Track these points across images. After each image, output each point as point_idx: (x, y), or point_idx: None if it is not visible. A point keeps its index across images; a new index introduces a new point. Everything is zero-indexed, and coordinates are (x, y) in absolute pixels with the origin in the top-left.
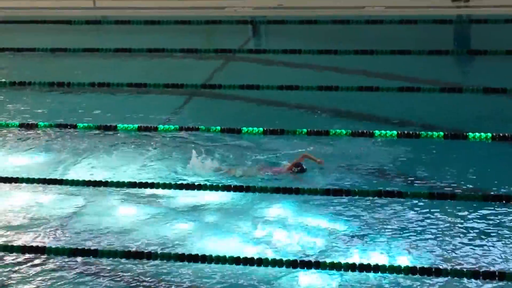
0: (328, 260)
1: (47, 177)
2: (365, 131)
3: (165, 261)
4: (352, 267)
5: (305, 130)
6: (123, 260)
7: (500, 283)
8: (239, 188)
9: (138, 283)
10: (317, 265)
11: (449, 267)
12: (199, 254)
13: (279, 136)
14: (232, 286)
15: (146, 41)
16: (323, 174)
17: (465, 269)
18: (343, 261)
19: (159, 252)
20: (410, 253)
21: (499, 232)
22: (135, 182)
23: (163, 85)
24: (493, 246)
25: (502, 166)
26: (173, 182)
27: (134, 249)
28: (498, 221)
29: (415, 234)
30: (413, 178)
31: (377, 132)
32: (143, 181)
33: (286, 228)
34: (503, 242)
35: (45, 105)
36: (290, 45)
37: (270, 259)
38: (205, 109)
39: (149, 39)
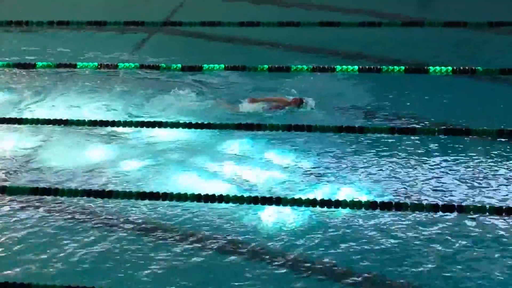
0: (289, 196)
1: (6, 116)
2: (326, 67)
3: (126, 199)
4: (313, 202)
5: (266, 66)
6: (84, 198)
7: (459, 215)
8: (200, 125)
9: (99, 221)
10: (278, 201)
11: (409, 202)
12: (160, 192)
13: (241, 72)
14: (194, 223)
15: None
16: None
17: (424, 203)
18: (303, 197)
19: (120, 190)
20: (371, 188)
21: (459, 165)
22: (96, 121)
23: (123, 22)
24: (453, 179)
25: (462, 98)
26: (134, 120)
27: (95, 188)
28: (457, 154)
29: (376, 169)
30: (375, 113)
31: (338, 67)
32: (104, 119)
33: (248, 164)
34: (462, 174)
35: (2, 44)
36: None
37: (231, 196)
38: (166, 47)
39: None
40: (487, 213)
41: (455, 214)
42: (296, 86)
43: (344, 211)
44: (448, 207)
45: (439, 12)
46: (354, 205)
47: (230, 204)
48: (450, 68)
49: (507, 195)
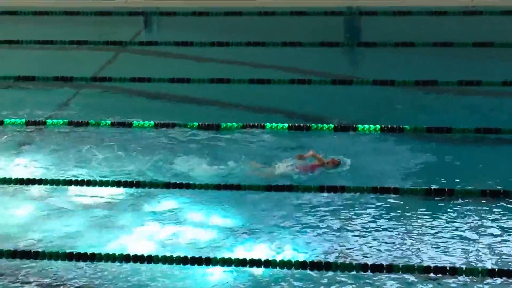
0: (219, 256)
1: None
2: (256, 124)
3: (53, 260)
4: (243, 262)
5: (196, 123)
6: (9, 260)
7: (390, 275)
8: (129, 183)
9: (24, 284)
10: (208, 261)
11: (339, 261)
12: (88, 253)
13: (171, 129)
14: (123, 285)
15: (34, 32)
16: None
17: (354, 263)
18: (233, 256)
19: (46, 251)
20: (301, 247)
21: (383, 226)
22: (23, 179)
23: (53, 78)
24: (381, 240)
25: (388, 157)
26: (61, 178)
27: (21, 248)
28: (386, 215)
29: (307, 227)
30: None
31: (268, 124)
32: (31, 177)
33: (178, 223)
34: (380, 235)
35: None
36: (182, 37)
37: (160, 256)
38: (95, 103)
39: (38, 30)
40: (416, 272)
41: (384, 273)
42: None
43: (275, 271)
44: (378, 267)
45: (367, 70)
46: (285, 264)
47: (160, 264)
48: (378, 126)
49: (434, 257)
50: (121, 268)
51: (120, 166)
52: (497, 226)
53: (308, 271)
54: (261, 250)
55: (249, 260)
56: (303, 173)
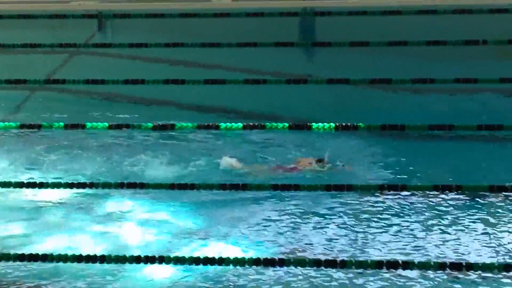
0: (172, 255)
1: None
2: (210, 124)
3: (3, 261)
4: (196, 260)
5: (150, 124)
6: None
7: (343, 269)
8: (82, 185)
9: None
10: (161, 260)
11: (292, 258)
12: (40, 253)
13: (125, 130)
14: (75, 285)
15: None
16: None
17: (307, 259)
18: (187, 255)
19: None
20: (255, 245)
21: (335, 220)
22: None
23: (4, 81)
24: (336, 236)
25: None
26: (13, 181)
27: None
28: (342, 212)
29: (260, 224)
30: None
31: (222, 124)
32: None
33: (132, 223)
34: (335, 231)
35: None
36: (136, 39)
37: (113, 256)
38: (48, 105)
39: None
40: (369, 268)
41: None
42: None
43: (228, 268)
44: (331, 262)
45: (322, 70)
46: (238, 262)
47: (112, 263)
48: (332, 124)
49: (390, 250)
50: (73, 268)
51: (73, 168)
52: (448, 220)
53: (262, 268)
54: (215, 248)
55: (203, 258)
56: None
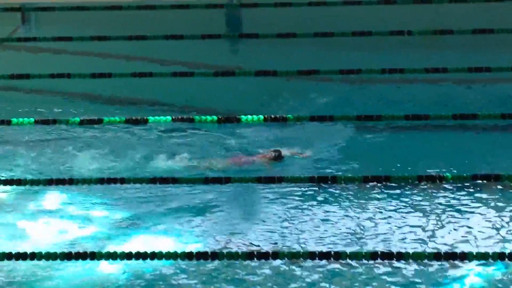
0: (104, 250)
1: None
2: (139, 118)
3: None
4: (128, 256)
5: (78, 119)
6: None
7: (276, 261)
8: (9, 181)
9: None
10: (93, 256)
11: (225, 251)
12: None
13: (52, 125)
14: (4, 283)
15: None
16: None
17: (240, 252)
18: (119, 250)
19: None
20: (188, 238)
21: (278, 212)
22: None
23: None
24: (272, 227)
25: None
26: None
27: None
28: (273, 203)
29: (193, 218)
30: (185, 164)
31: (151, 118)
32: None
33: (62, 219)
34: (284, 221)
35: None
36: (61, 32)
37: (43, 253)
38: None
39: None
40: (301, 258)
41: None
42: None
43: (161, 263)
44: (263, 255)
45: (250, 61)
46: (171, 256)
47: (43, 260)
48: (261, 116)
49: (323, 238)
50: (2, 266)
51: (1, 165)
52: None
53: (195, 262)
54: (147, 243)
55: (135, 253)
56: (237, 166)
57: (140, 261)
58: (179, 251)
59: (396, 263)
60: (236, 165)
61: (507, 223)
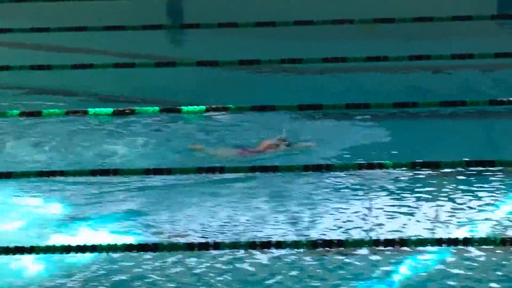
0: (42, 244)
1: None
2: (79, 110)
3: None
4: (67, 249)
5: (17, 111)
6: None
7: (218, 251)
8: None
9: None
10: (31, 250)
11: (166, 242)
12: None
13: None
14: None
15: None
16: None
17: (181, 243)
18: (58, 243)
19: None
20: (130, 230)
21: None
22: None
23: None
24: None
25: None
26: None
27: None
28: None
29: (134, 210)
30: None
31: (91, 110)
32: None
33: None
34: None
35: None
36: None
37: None
38: None
39: None
40: (244, 248)
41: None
42: None
43: (102, 255)
44: (204, 245)
45: (191, 52)
46: (111, 248)
47: None
48: (203, 107)
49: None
50: None
51: None
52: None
53: (137, 253)
54: (86, 236)
55: (75, 246)
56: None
57: (80, 254)
58: (119, 244)
59: (335, 251)
60: (245, 156)
61: (447, 209)
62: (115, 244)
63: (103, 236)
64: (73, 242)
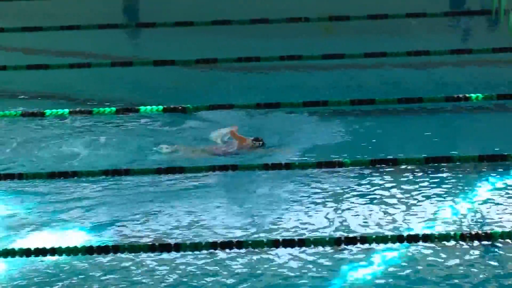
0: (1, 248)
1: None
2: (35, 111)
3: None
4: (27, 252)
5: None
6: None
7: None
8: None
9: None
10: None
11: (125, 244)
12: None
13: None
14: None
15: None
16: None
17: (141, 244)
18: (16, 247)
19: None
20: (87, 233)
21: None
22: None
23: None
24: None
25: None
26: None
27: None
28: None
29: (91, 214)
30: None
31: (48, 111)
32: None
33: None
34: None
35: None
36: None
37: None
38: None
39: None
40: (204, 249)
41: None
42: None
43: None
44: (165, 246)
45: (148, 51)
46: (71, 251)
47: None
48: (160, 107)
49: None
50: None
51: None
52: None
53: (95, 255)
54: (46, 239)
55: (34, 249)
56: (221, 155)
57: (40, 257)
58: (79, 246)
59: (296, 249)
60: (218, 154)
61: (406, 206)
62: (75, 247)
63: (63, 238)
64: (32, 245)
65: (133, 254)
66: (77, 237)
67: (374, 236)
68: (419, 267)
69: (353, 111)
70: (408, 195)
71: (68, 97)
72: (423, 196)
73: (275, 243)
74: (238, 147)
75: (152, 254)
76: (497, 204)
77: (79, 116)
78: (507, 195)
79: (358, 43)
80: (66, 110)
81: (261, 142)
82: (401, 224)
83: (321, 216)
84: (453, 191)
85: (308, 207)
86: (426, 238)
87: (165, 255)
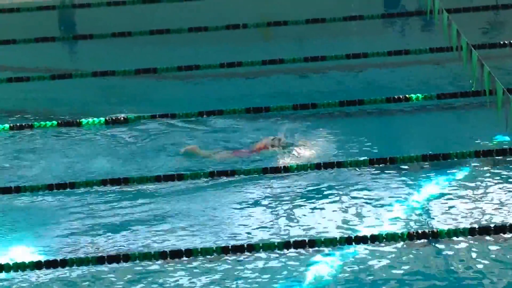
0: None
1: None
2: None
3: None
4: None
5: None
6: None
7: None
8: None
9: None
10: None
11: (74, 257)
12: None
13: None
14: None
15: None
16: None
17: (90, 256)
18: None
19: None
20: (40, 247)
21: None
22: None
23: None
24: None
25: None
26: None
27: None
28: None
29: (45, 227)
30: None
31: None
32: None
33: None
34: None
35: None
36: None
37: None
38: None
39: None
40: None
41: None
42: None
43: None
44: (114, 258)
45: (86, 63)
46: (19, 267)
47: None
48: (102, 119)
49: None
50: None
51: None
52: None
53: (44, 270)
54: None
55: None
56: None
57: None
58: (27, 262)
59: (245, 255)
60: (246, 155)
61: (355, 208)
62: (23, 262)
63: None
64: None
65: (82, 267)
66: (25, 253)
67: (322, 239)
68: (366, 268)
69: (296, 116)
70: (352, 197)
71: (7, 111)
72: (367, 198)
73: (225, 250)
74: (260, 150)
75: (101, 266)
76: (442, 203)
77: (19, 130)
78: (451, 194)
79: (298, 47)
80: (7, 126)
81: (283, 141)
82: (346, 226)
83: (268, 220)
84: (397, 191)
85: (253, 212)
86: (374, 238)
87: (113, 267)
